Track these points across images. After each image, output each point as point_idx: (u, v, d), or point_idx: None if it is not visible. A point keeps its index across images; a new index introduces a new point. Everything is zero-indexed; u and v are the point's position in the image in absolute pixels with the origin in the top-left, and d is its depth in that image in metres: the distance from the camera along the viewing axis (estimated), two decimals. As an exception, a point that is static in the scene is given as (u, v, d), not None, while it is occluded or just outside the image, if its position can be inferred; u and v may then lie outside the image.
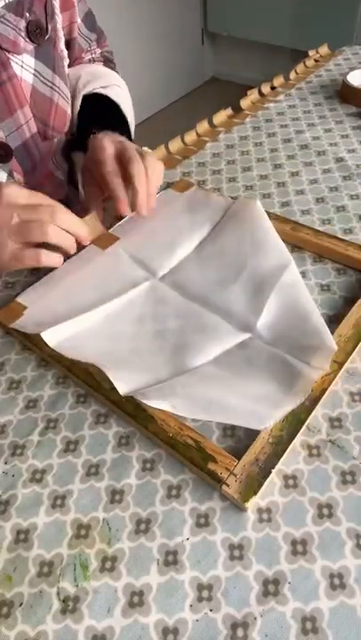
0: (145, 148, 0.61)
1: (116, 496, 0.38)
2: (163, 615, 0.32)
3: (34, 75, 0.58)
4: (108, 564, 0.35)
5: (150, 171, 0.54)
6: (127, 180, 0.53)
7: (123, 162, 0.54)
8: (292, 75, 0.92)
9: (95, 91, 0.68)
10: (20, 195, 0.46)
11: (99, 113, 0.68)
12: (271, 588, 0.33)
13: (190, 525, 0.36)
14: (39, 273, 0.56)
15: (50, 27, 0.59)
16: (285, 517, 0.36)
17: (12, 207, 0.46)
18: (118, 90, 0.71)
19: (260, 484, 0.36)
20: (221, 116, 0.81)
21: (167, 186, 0.66)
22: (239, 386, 0.42)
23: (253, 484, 0.36)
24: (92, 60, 0.76)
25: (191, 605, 0.33)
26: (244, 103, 0.84)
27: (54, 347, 0.46)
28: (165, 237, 0.57)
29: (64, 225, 0.47)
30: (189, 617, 0.32)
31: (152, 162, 0.55)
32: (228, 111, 0.82)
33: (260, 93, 0.87)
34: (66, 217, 0.47)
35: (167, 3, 2.47)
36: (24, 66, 0.57)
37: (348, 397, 0.43)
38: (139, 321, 0.49)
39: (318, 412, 0.41)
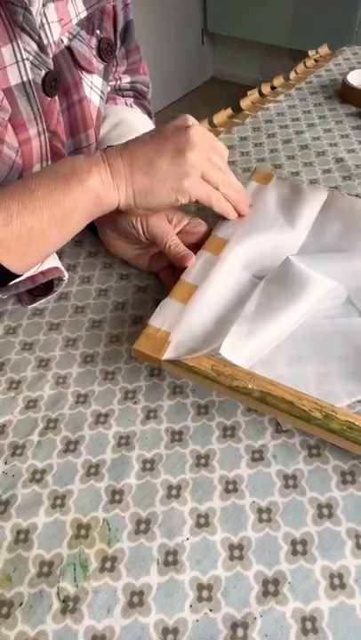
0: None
1: (115, 496, 0.38)
2: (163, 615, 0.32)
3: (100, 96, 0.55)
4: (108, 564, 0.35)
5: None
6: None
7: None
8: (292, 75, 0.92)
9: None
10: (211, 144, 0.47)
11: None
12: (271, 587, 0.33)
13: (190, 525, 0.36)
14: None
15: (118, 44, 0.56)
16: (285, 517, 0.36)
17: (208, 153, 0.46)
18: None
19: None
20: (221, 117, 0.81)
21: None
22: None
23: None
24: (118, 91, 0.67)
25: (191, 605, 0.33)
26: (244, 103, 0.84)
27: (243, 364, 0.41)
28: (268, 239, 0.54)
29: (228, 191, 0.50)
30: (189, 617, 0.32)
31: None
32: (228, 111, 0.82)
33: (260, 93, 0.87)
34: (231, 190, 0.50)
35: (167, 3, 2.47)
36: (93, 87, 0.54)
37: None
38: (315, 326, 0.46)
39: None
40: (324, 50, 1.00)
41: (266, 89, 0.87)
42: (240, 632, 0.31)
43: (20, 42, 0.44)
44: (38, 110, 0.48)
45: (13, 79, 0.45)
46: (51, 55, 0.48)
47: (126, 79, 0.67)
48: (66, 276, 0.52)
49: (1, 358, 0.48)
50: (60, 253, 0.59)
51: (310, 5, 2.28)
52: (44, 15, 0.46)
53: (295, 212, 0.56)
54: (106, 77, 0.56)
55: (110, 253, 0.58)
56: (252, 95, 0.86)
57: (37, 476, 0.39)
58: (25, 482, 0.39)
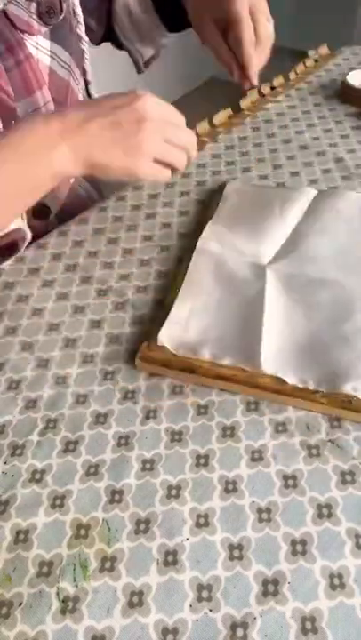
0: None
1: (115, 496, 0.38)
2: (162, 615, 0.32)
3: (50, 57, 0.58)
4: (108, 564, 0.35)
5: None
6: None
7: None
8: (292, 75, 0.92)
9: None
10: (161, 110, 0.48)
11: None
12: (271, 587, 0.33)
13: (190, 525, 0.36)
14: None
15: (64, 7, 0.58)
16: (285, 517, 0.36)
17: (160, 123, 0.48)
18: None
19: None
20: (221, 117, 0.81)
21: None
22: None
23: None
24: None
25: (191, 605, 0.33)
26: (244, 103, 0.84)
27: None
28: (256, 225, 0.57)
29: (193, 149, 0.52)
30: (189, 617, 0.32)
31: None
32: (228, 111, 0.82)
33: (260, 93, 0.87)
34: (194, 145, 0.52)
35: (167, 3, 2.47)
36: (39, 47, 0.56)
37: (348, 397, 0.42)
38: (290, 314, 0.47)
39: (318, 412, 0.42)
40: (323, 50, 1.00)
41: (266, 89, 0.87)
42: (240, 632, 0.31)
43: None
44: None
45: None
46: None
47: None
48: (29, 235, 0.54)
49: (1, 358, 0.48)
50: (60, 253, 0.59)
51: (310, 5, 2.28)
52: None
53: (284, 205, 0.59)
54: (58, 39, 0.59)
55: (110, 253, 0.58)
56: (252, 95, 0.86)
57: (37, 476, 0.39)
58: (25, 482, 0.39)
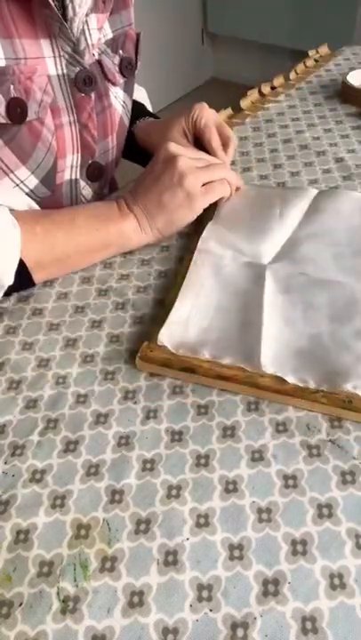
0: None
1: (115, 496, 0.38)
2: (163, 615, 0.32)
3: (122, 106, 0.64)
4: (108, 564, 0.35)
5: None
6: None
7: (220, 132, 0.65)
8: (292, 75, 0.92)
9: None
10: (193, 162, 0.56)
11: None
12: (271, 587, 0.33)
13: (190, 525, 0.36)
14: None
15: (139, 64, 0.66)
16: (285, 517, 0.36)
17: (195, 173, 0.55)
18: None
19: None
20: (221, 117, 0.80)
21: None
22: None
23: None
24: None
25: (191, 605, 0.33)
26: (244, 103, 0.84)
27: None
28: (256, 226, 0.58)
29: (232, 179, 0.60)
30: (189, 617, 0.32)
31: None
32: (228, 111, 0.82)
33: (260, 93, 0.87)
34: (234, 177, 0.61)
35: (167, 3, 2.47)
36: (117, 97, 0.63)
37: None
38: (289, 314, 0.48)
39: (318, 412, 0.42)
40: (323, 50, 1.00)
41: (266, 89, 0.87)
42: (240, 632, 0.31)
43: (57, 41, 0.51)
44: (70, 102, 0.55)
45: (52, 69, 0.52)
46: (87, 57, 0.55)
47: None
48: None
49: (1, 358, 0.48)
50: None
51: (310, 5, 2.28)
52: (87, 23, 0.54)
53: (284, 205, 0.60)
54: (128, 91, 0.65)
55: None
56: (252, 95, 0.86)
57: (37, 476, 0.39)
58: (25, 482, 0.39)
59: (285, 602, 0.32)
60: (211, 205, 0.58)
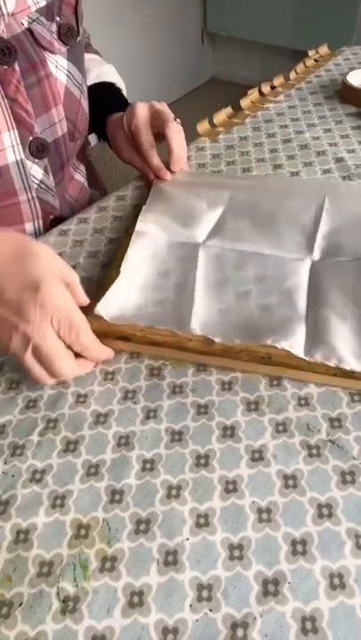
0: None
1: (115, 496, 0.38)
2: (162, 615, 0.32)
3: (67, 75, 0.61)
4: (108, 564, 0.35)
5: (180, 130, 0.64)
6: (159, 138, 0.64)
7: (157, 123, 0.64)
8: (292, 75, 0.92)
9: (96, 81, 0.74)
10: (57, 308, 0.40)
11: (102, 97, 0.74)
12: (271, 588, 0.33)
13: (190, 525, 0.36)
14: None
15: (80, 30, 0.62)
16: (285, 517, 0.36)
17: (48, 320, 0.40)
18: (108, 70, 0.78)
19: None
20: (221, 116, 0.81)
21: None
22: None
23: None
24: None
25: (191, 605, 0.33)
26: (244, 103, 0.84)
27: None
28: (188, 208, 0.60)
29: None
30: (189, 617, 0.32)
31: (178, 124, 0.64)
32: (228, 110, 0.82)
33: (261, 93, 0.87)
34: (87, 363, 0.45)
35: (167, 3, 2.47)
36: (58, 66, 0.59)
37: (348, 397, 0.43)
38: (220, 285, 0.51)
39: (318, 412, 0.42)
40: (323, 50, 1.00)
41: (266, 88, 0.87)
42: (240, 632, 0.31)
43: None
44: None
45: None
46: (2, 27, 0.52)
47: None
48: None
49: (1, 358, 0.48)
50: (60, 253, 0.59)
51: (310, 5, 2.28)
52: None
53: (215, 187, 0.63)
54: (74, 60, 0.62)
55: (110, 252, 0.58)
56: (252, 94, 0.86)
57: (37, 476, 0.39)
58: (25, 482, 0.39)
59: (285, 602, 0.32)
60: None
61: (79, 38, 0.62)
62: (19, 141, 0.57)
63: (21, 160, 0.58)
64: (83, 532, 0.36)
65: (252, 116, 0.81)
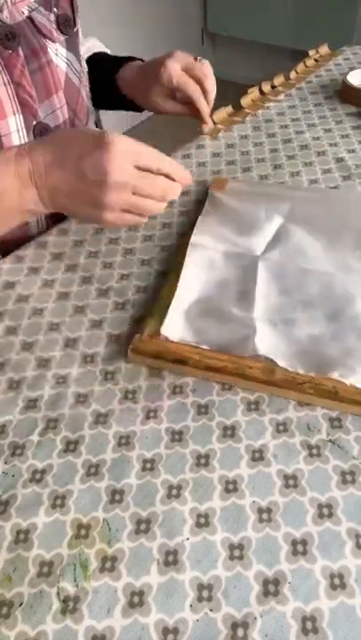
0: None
1: (116, 496, 0.38)
2: (163, 615, 0.32)
3: (66, 64, 0.62)
4: (108, 564, 0.35)
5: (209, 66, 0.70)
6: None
7: (191, 73, 0.69)
8: (293, 74, 0.92)
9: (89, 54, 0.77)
10: (128, 160, 0.45)
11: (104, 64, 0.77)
12: (271, 587, 0.33)
13: (190, 525, 0.36)
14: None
15: (77, 20, 0.64)
16: (285, 517, 0.36)
17: (125, 177, 0.45)
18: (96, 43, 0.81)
19: None
20: (221, 114, 0.80)
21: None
22: None
23: None
24: None
25: (191, 605, 0.33)
26: (245, 101, 0.84)
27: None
28: (245, 219, 0.59)
29: (174, 195, 0.50)
30: (189, 617, 0.32)
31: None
32: (229, 109, 0.82)
33: (261, 92, 0.87)
34: (177, 189, 0.50)
35: (167, 2, 2.47)
36: (58, 54, 0.61)
37: (349, 397, 0.42)
38: (282, 304, 0.49)
39: (318, 412, 0.42)
40: (324, 50, 1.00)
41: (266, 87, 0.87)
42: (240, 632, 0.31)
43: None
44: None
45: None
46: (6, 13, 0.54)
47: None
48: None
49: (1, 358, 0.48)
50: (60, 253, 0.59)
51: (310, 5, 2.28)
52: None
53: (268, 204, 0.60)
54: (72, 49, 0.63)
55: (110, 253, 0.58)
56: (253, 93, 0.85)
57: (37, 476, 0.39)
58: (25, 482, 0.39)
59: (286, 602, 0.32)
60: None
61: (76, 28, 0.64)
62: (23, 125, 0.58)
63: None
64: (83, 531, 0.36)
65: (253, 114, 0.81)
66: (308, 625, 0.31)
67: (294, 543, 0.35)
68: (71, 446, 0.41)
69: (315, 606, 0.32)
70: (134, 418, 0.43)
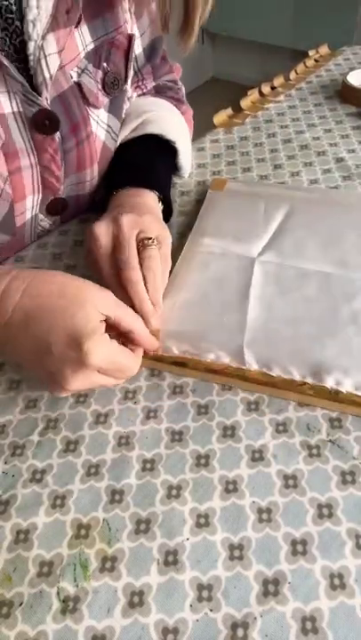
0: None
1: (116, 496, 0.38)
2: (163, 615, 0.32)
3: (106, 131, 0.55)
4: (108, 564, 0.35)
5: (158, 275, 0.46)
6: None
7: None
8: (292, 75, 0.92)
9: (128, 137, 0.60)
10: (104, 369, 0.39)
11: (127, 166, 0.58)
12: (271, 587, 0.33)
13: (190, 525, 0.36)
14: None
15: (129, 77, 0.56)
16: (285, 517, 0.36)
17: (94, 380, 0.39)
18: (156, 116, 0.61)
19: None
20: (221, 116, 0.81)
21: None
22: None
23: None
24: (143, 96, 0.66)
25: (191, 605, 0.33)
26: (244, 103, 0.84)
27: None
28: (243, 220, 0.58)
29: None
30: (189, 617, 0.32)
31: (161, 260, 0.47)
32: (228, 111, 0.82)
33: (261, 93, 0.87)
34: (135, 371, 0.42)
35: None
36: (99, 122, 0.54)
37: (349, 397, 0.42)
38: (277, 306, 0.48)
39: (318, 413, 0.42)
40: (324, 50, 1.00)
41: (266, 89, 0.87)
42: (240, 632, 0.31)
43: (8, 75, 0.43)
44: (30, 143, 0.48)
45: (6, 107, 0.44)
46: (46, 92, 0.46)
47: (150, 85, 0.66)
48: None
49: (1, 359, 0.48)
50: (60, 253, 0.59)
51: (310, 5, 2.28)
52: (42, 48, 0.43)
53: (266, 205, 0.60)
54: (113, 111, 0.56)
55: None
56: (252, 95, 0.86)
57: (37, 476, 0.39)
58: (25, 482, 0.39)
59: (285, 602, 0.32)
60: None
61: (126, 87, 0.56)
62: (39, 202, 0.54)
63: (35, 215, 0.55)
64: (83, 531, 0.36)
65: (253, 116, 0.81)
66: (308, 625, 0.31)
67: (294, 543, 0.35)
68: (71, 446, 0.41)
69: (315, 606, 0.32)
70: (134, 418, 0.43)
